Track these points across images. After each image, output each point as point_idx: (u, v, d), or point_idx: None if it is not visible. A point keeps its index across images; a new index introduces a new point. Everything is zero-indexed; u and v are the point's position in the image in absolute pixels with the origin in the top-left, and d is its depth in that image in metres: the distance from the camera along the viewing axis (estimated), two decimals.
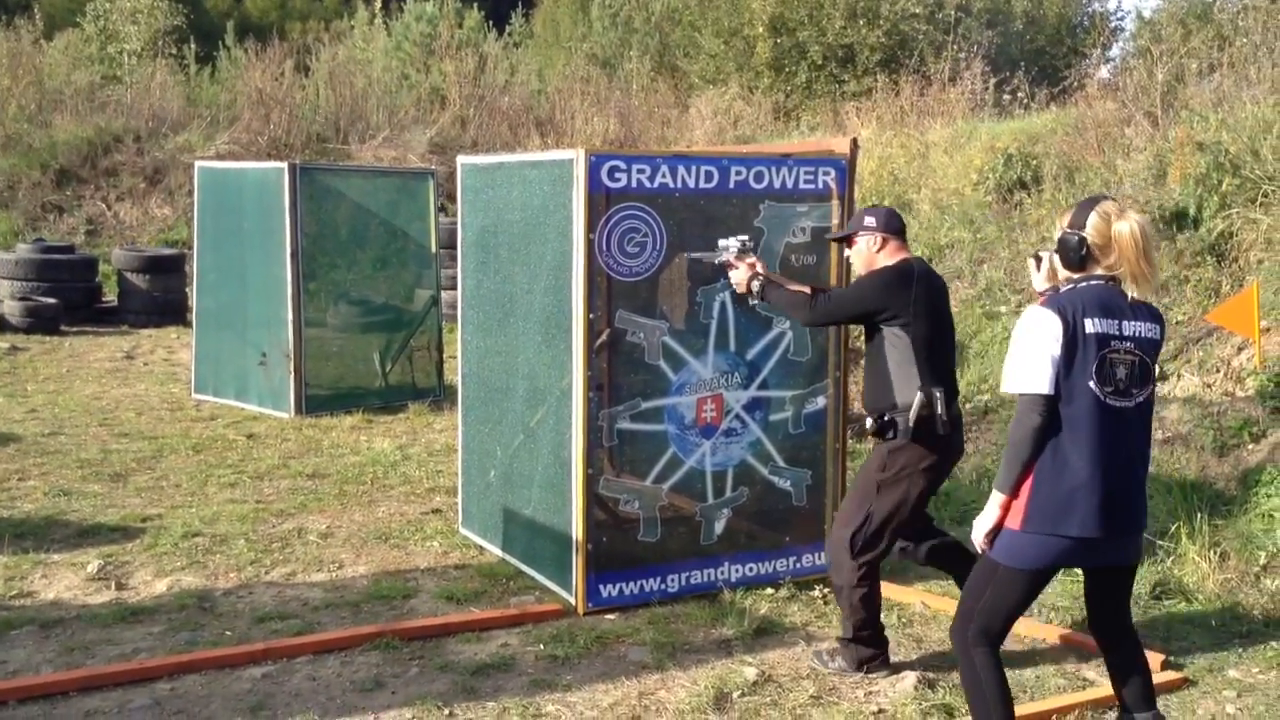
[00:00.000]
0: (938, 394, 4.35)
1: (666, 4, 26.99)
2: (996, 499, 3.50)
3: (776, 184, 5.23)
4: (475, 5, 28.22)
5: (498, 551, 5.83)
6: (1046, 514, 3.43)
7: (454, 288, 6.54)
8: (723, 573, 5.32)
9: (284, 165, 9.36)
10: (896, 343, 4.41)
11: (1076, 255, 3.53)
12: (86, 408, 9.43)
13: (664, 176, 5.00)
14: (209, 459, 7.84)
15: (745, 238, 4.97)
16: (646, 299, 5.10)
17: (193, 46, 25.12)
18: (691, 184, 5.07)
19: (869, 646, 4.49)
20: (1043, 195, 9.87)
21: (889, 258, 4.53)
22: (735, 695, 4.30)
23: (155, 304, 14.25)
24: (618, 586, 5.13)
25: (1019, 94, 14.39)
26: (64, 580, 5.39)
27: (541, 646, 4.72)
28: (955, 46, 16.91)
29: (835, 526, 4.61)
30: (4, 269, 13.75)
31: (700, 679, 4.42)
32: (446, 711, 4.14)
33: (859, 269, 4.66)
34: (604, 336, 5.03)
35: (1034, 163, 10.39)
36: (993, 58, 17.55)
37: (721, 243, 4.99)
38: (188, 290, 12.84)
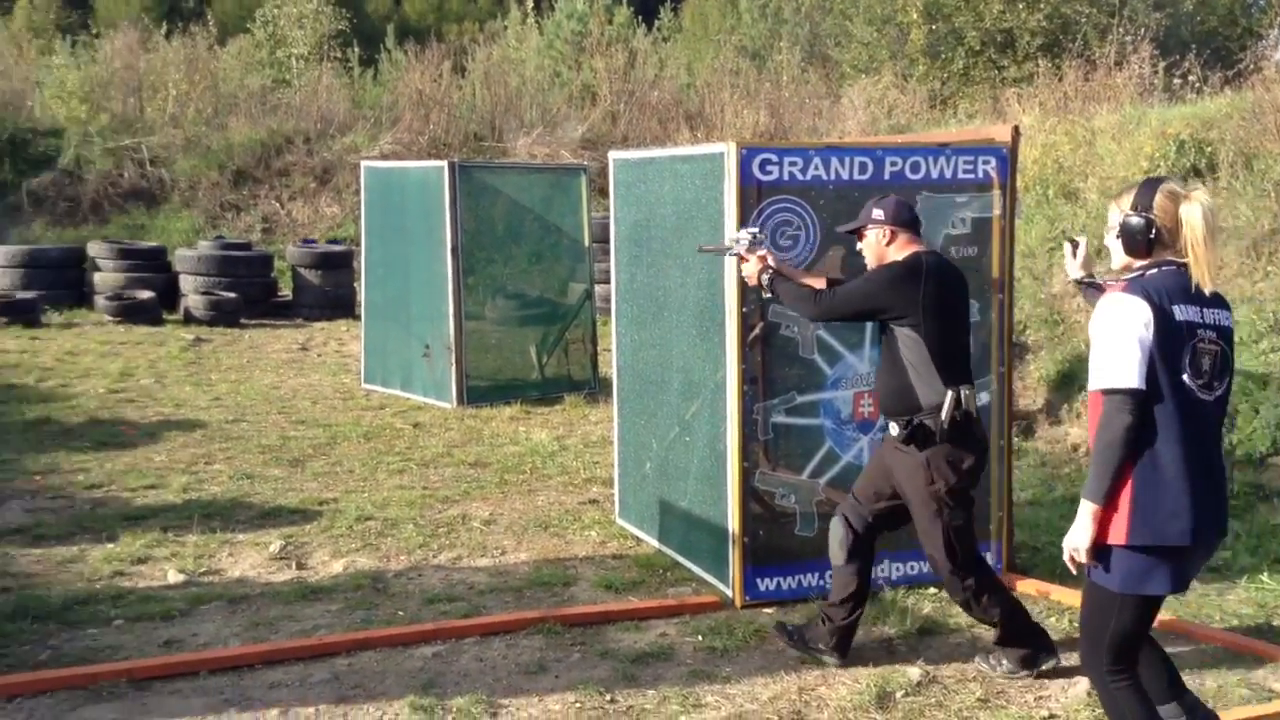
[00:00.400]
0: (965, 391, 4.17)
1: None
2: (1088, 510, 3.18)
3: (934, 174, 5.17)
4: (625, 1, 28.47)
5: (654, 542, 5.92)
6: (1151, 524, 3.15)
7: (607, 281, 6.66)
8: (883, 570, 5.26)
9: (444, 164, 9.68)
10: (910, 344, 4.20)
11: (1144, 239, 3.26)
12: (266, 396, 9.94)
13: (817, 169, 5.00)
14: (379, 446, 8.18)
15: (756, 229, 4.76)
16: None
17: (356, 50, 26.08)
18: (845, 176, 5.05)
19: (1022, 644, 4.40)
20: (1218, 183, 9.44)
21: (899, 252, 4.31)
22: (898, 695, 4.26)
23: (327, 298, 14.90)
24: (775, 580, 5.16)
25: (1190, 78, 13.76)
26: (249, 559, 5.72)
27: (700, 638, 4.79)
28: (1121, 29, 16.25)
29: (931, 558, 4.43)
30: (188, 265, 14.58)
31: (862, 677, 4.41)
32: (608, 697, 4.24)
33: (870, 263, 4.42)
34: (757, 330, 5.06)
35: (1208, 149, 9.95)
36: (1161, 40, 16.82)
37: (731, 235, 4.84)
38: (356, 285, 13.39)
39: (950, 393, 4.13)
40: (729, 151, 4.93)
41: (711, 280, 5.17)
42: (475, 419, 9.14)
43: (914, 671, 4.44)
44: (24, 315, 13.17)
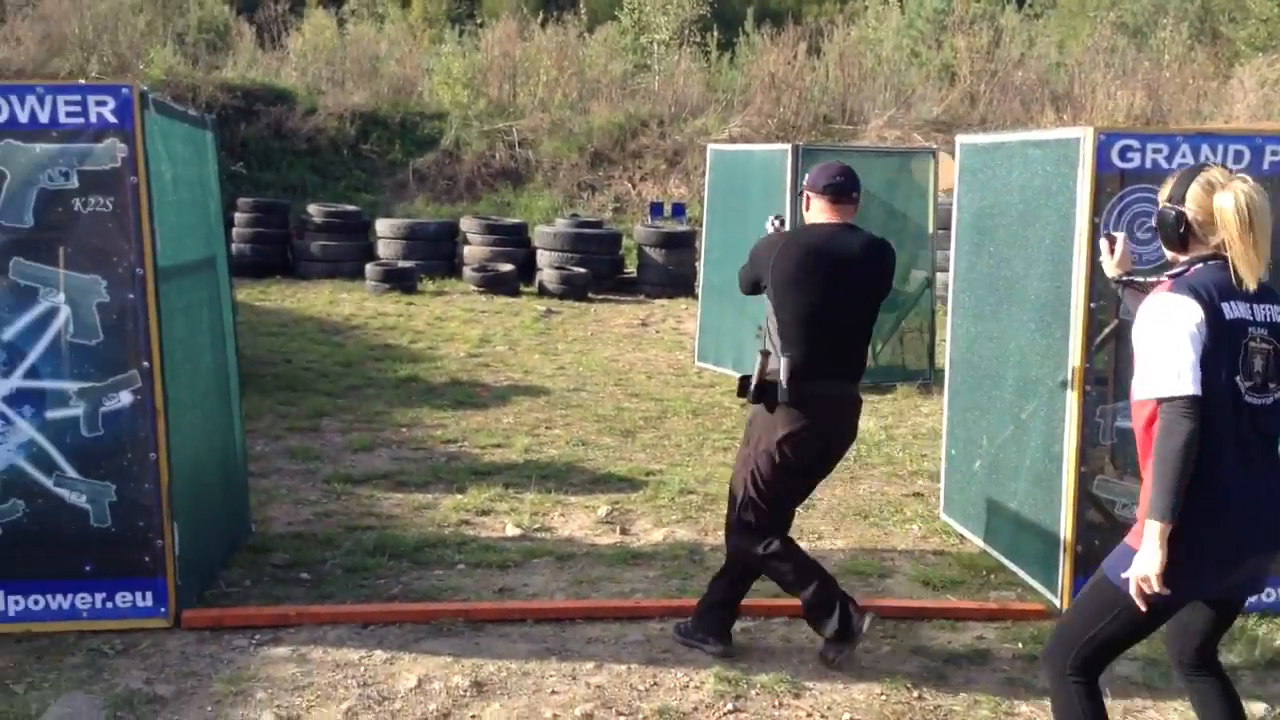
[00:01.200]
0: (784, 360, 4.11)
1: None
2: (1155, 530, 2.88)
3: None
4: None
5: (979, 542, 5.69)
6: (1184, 537, 2.88)
7: (949, 269, 6.43)
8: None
9: (787, 147, 9.69)
10: (769, 309, 4.23)
11: (1175, 233, 3.04)
12: (605, 368, 10.42)
13: (1184, 156, 4.59)
14: (706, 423, 8.37)
15: (777, 216, 4.73)
16: None
17: (715, 34, 26.63)
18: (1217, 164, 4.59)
19: (828, 615, 4.29)
20: None
21: (813, 218, 4.28)
22: None
23: (668, 276, 15.39)
24: None
25: None
26: (578, 520, 6.03)
27: (1020, 645, 4.56)
28: None
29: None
30: (544, 240, 15.52)
31: None
32: (915, 694, 4.14)
33: None
34: (1110, 328, 4.72)
35: None
36: None
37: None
38: (696, 265, 13.73)
39: (784, 360, 4.12)
40: (1085, 136, 4.62)
41: (1057, 272, 4.88)
42: None
43: (1259, 707, 4.03)
44: (403, 283, 14.50)
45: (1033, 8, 28.83)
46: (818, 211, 4.28)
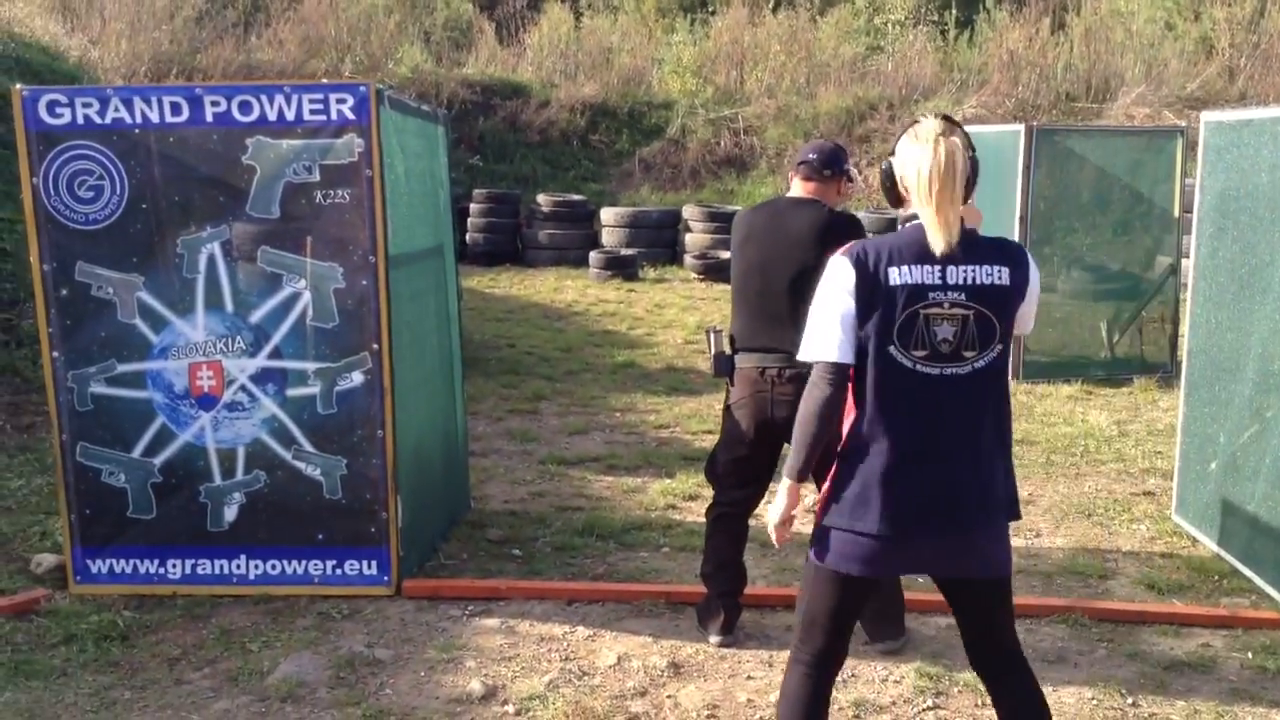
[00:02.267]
0: (718, 330, 4.36)
1: None
2: (783, 486, 2.95)
3: None
4: None
5: (1212, 545, 5.34)
6: (843, 505, 2.82)
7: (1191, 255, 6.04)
8: None
9: (1020, 128, 9.30)
10: None
11: (887, 188, 2.93)
12: None
13: None
14: None
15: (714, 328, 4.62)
16: None
17: (954, 12, 25.75)
18: None
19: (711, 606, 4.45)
20: None
21: (791, 194, 4.29)
22: None
23: None
24: None
25: None
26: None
27: (1249, 655, 4.26)
28: None
29: None
30: None
31: None
32: (1130, 700, 3.94)
33: None
34: None
35: None
36: None
37: None
38: None
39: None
40: None
41: None
42: (1029, 395, 8.77)
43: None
44: (625, 270, 14.80)
45: None
46: (797, 185, 4.28)
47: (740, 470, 4.40)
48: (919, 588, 4.71)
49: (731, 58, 21.65)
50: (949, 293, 2.73)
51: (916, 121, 2.89)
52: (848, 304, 2.77)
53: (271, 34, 21.09)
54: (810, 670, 2.99)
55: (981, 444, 2.81)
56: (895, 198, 2.95)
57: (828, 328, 2.80)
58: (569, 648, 4.33)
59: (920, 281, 2.73)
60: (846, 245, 2.86)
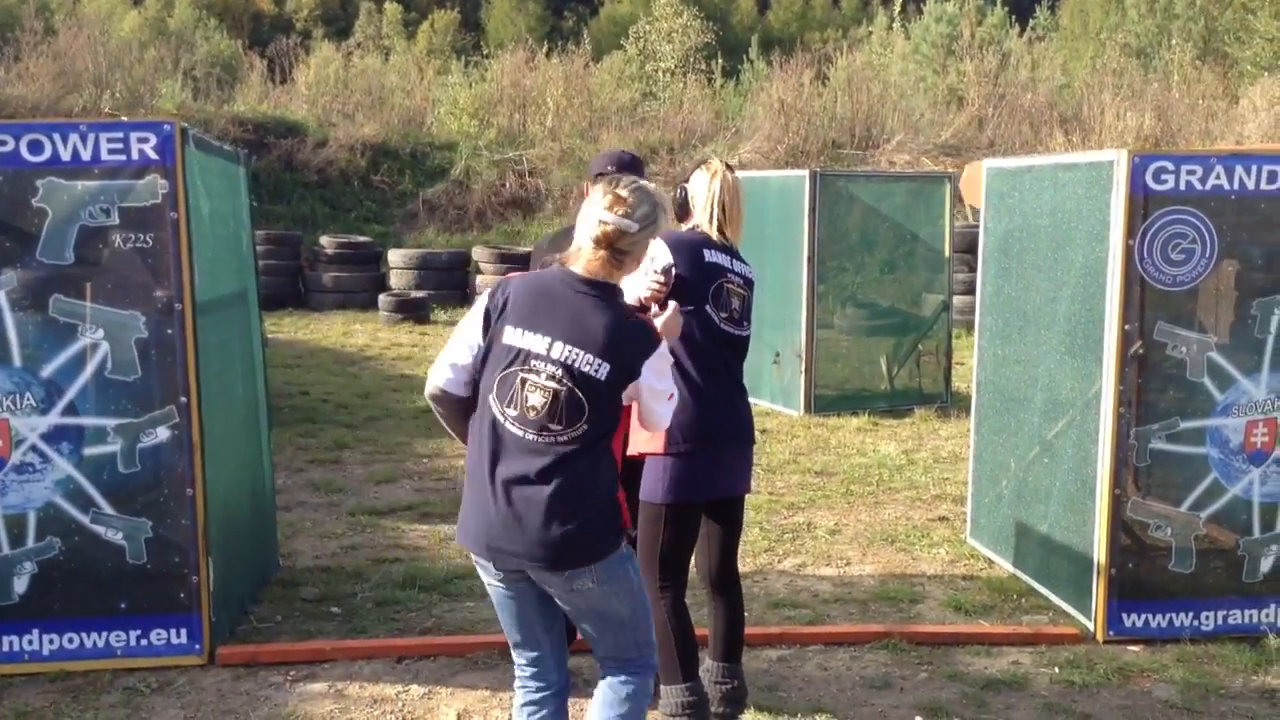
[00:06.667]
0: None
1: None
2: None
3: None
4: (998, 2, 27.45)
5: (1008, 566, 5.67)
6: (676, 439, 3.67)
7: (966, 293, 6.45)
8: (1268, 615, 4.81)
9: (805, 173, 9.73)
10: None
11: (679, 206, 3.97)
12: None
13: (1218, 178, 4.60)
14: None
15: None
16: (1190, 310, 4.72)
17: (720, 61, 26.79)
18: (1250, 186, 4.61)
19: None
20: None
21: None
22: None
23: None
24: (1143, 617, 4.80)
25: None
26: None
27: (1056, 670, 4.54)
28: None
29: None
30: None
31: None
32: None
33: None
34: (1136, 348, 4.72)
35: None
36: None
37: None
38: None
39: None
40: (1119, 159, 4.64)
41: (1088, 295, 4.88)
42: (822, 427, 9.12)
43: None
44: (417, 313, 14.54)
45: (1035, 30, 28.98)
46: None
47: None
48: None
49: (513, 100, 21.75)
50: (735, 276, 3.80)
51: (705, 160, 3.97)
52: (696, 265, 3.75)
53: (22, 68, 19.71)
54: (679, 601, 3.82)
55: (741, 384, 3.87)
56: (685, 214, 3.91)
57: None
58: (405, 708, 4.16)
59: (720, 263, 3.77)
60: (667, 231, 3.50)
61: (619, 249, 3.01)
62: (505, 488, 2.96)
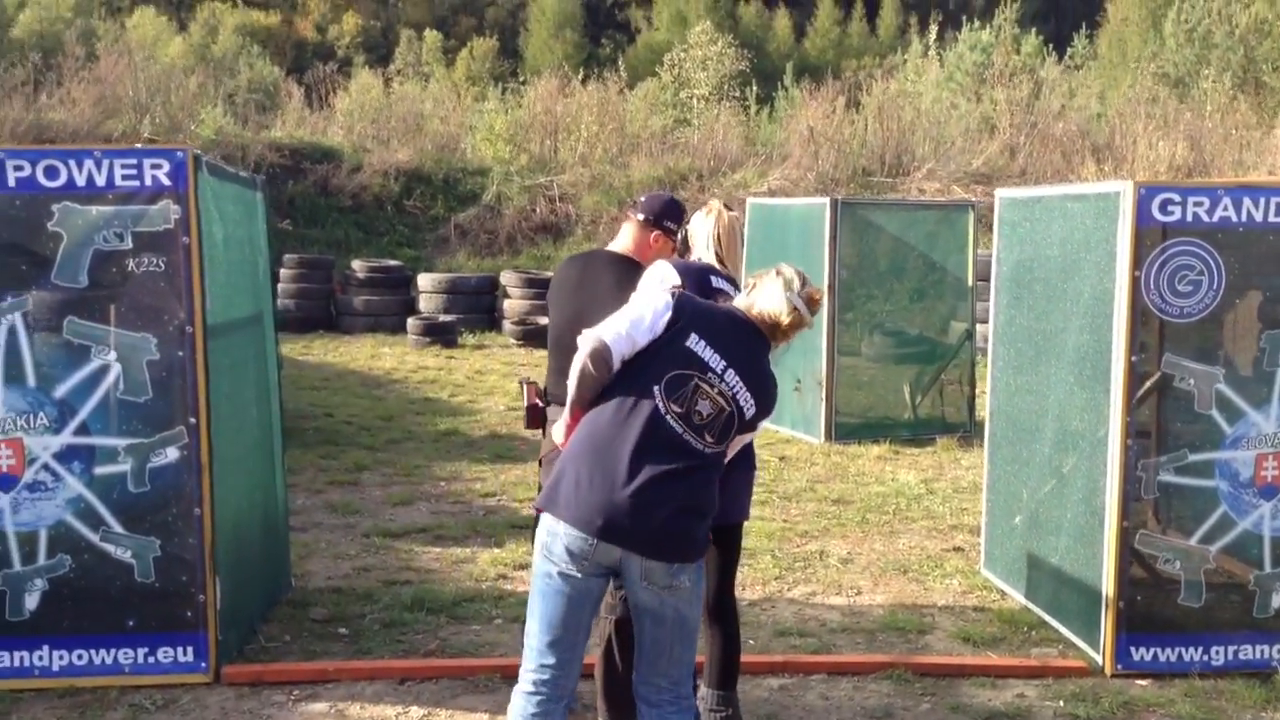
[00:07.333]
0: (531, 382, 4.25)
1: (1254, 15, 24.42)
2: None
3: None
4: (1034, 30, 27.38)
5: (1020, 598, 5.63)
6: None
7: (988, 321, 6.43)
8: (1279, 651, 4.74)
9: (826, 200, 9.75)
10: None
11: (681, 243, 4.16)
12: None
13: (1225, 210, 4.58)
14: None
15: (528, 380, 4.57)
16: (1199, 342, 4.69)
17: (754, 88, 26.87)
18: (1259, 218, 4.59)
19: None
20: None
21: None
22: None
23: None
24: (1151, 651, 4.75)
25: None
26: None
27: (1061, 703, 4.50)
28: None
29: None
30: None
31: None
32: None
33: None
34: (1151, 381, 4.70)
35: None
36: None
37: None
38: None
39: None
40: (1125, 191, 4.63)
41: (1097, 325, 4.86)
42: (842, 455, 9.09)
43: None
44: (443, 336, 14.65)
45: (1073, 59, 28.87)
46: (622, 231, 4.26)
47: None
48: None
49: (545, 126, 21.92)
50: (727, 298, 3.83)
51: (706, 203, 4.12)
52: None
53: (64, 93, 20.13)
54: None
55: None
56: (686, 251, 4.11)
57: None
58: None
59: (721, 288, 3.89)
60: (674, 259, 3.85)
61: (788, 332, 3.44)
62: (646, 475, 3.14)
